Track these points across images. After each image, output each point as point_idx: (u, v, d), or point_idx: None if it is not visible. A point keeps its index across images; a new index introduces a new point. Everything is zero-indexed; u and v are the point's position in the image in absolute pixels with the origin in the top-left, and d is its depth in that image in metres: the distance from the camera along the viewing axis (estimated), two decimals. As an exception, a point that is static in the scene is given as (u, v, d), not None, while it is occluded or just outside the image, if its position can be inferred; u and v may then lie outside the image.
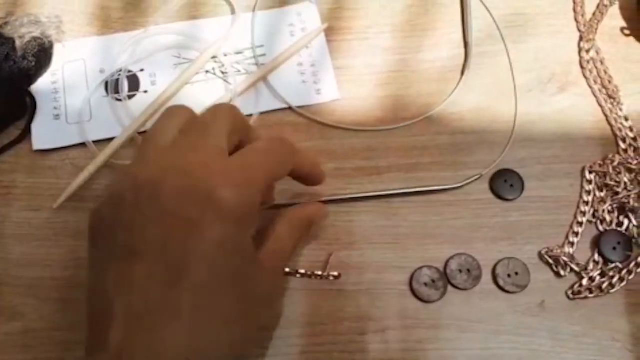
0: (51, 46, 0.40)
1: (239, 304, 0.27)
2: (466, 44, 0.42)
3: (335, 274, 0.35)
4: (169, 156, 0.27)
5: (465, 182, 0.38)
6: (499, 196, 0.38)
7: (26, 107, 0.39)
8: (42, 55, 0.39)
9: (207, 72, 0.40)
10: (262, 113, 0.39)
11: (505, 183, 0.38)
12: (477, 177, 0.38)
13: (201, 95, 0.40)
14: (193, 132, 0.29)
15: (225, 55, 0.41)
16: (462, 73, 0.41)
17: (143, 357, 0.24)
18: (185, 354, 0.25)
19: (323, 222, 0.36)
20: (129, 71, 0.40)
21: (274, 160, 0.30)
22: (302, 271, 0.35)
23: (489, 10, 0.43)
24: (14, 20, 0.38)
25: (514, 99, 0.40)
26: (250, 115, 0.39)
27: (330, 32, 0.42)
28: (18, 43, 0.37)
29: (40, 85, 0.40)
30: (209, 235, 0.26)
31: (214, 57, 0.40)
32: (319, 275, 0.35)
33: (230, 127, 0.29)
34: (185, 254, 0.25)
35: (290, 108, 0.40)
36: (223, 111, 0.30)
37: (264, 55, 0.41)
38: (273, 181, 0.30)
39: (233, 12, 0.42)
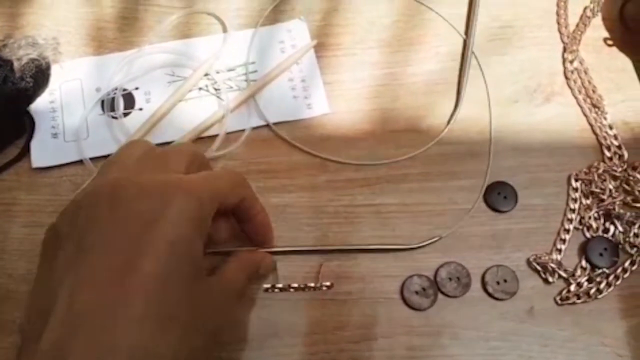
0: (48, 67, 0.41)
1: (188, 307, 0.27)
2: (464, 58, 0.43)
3: (328, 284, 0.36)
4: (125, 172, 0.29)
5: (421, 244, 0.37)
6: (494, 209, 0.39)
7: (25, 127, 0.40)
8: (40, 75, 0.40)
9: (200, 89, 0.41)
10: (254, 128, 0.40)
11: (498, 195, 0.39)
12: (436, 238, 0.37)
13: (195, 112, 0.41)
14: (151, 160, 0.30)
15: (218, 72, 0.42)
16: (458, 89, 0.42)
17: (81, 357, 0.24)
18: (126, 354, 0.24)
19: (268, 272, 0.36)
20: (124, 89, 0.41)
21: (226, 182, 0.31)
22: (295, 285, 0.36)
23: (461, 34, 0.44)
24: (12, 42, 0.40)
25: (500, 110, 0.41)
26: (243, 131, 0.40)
27: (320, 48, 0.43)
28: (16, 65, 0.38)
29: (39, 105, 0.41)
30: (162, 233, 0.26)
31: (206, 75, 0.42)
32: (312, 287, 0.36)
33: (190, 160, 0.31)
34: (137, 248, 0.26)
35: (282, 122, 0.41)
36: (183, 147, 0.33)
37: (255, 71, 0.42)
38: (222, 202, 0.30)
39: (225, 30, 0.43)
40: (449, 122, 0.41)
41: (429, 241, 0.37)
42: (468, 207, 0.39)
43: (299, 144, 0.40)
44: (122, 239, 0.26)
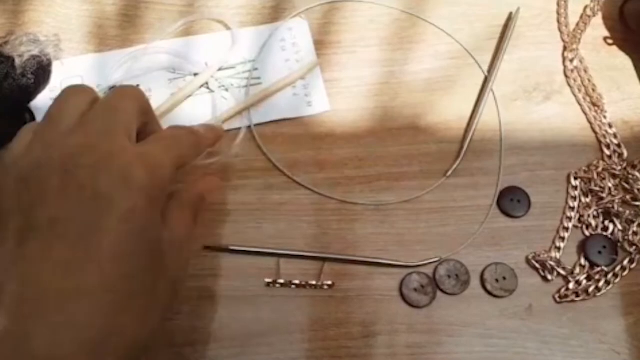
0: (49, 64, 0.41)
1: (148, 281, 0.26)
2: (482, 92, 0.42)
3: (329, 282, 0.36)
4: (75, 137, 0.27)
5: (421, 263, 0.37)
6: (508, 215, 0.38)
7: (25, 123, 0.40)
8: (41, 72, 0.40)
9: (200, 86, 0.41)
10: (256, 125, 0.41)
11: (511, 202, 0.39)
12: (436, 259, 0.37)
13: (193, 109, 0.41)
14: (100, 118, 0.28)
15: (218, 70, 0.42)
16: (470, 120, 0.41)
17: (40, 344, 0.23)
18: (87, 336, 0.24)
19: (215, 194, 0.36)
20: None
21: (183, 146, 0.31)
22: (297, 282, 0.36)
23: (463, 46, 0.44)
24: (14, 39, 0.40)
25: (500, 108, 0.41)
26: (239, 129, 0.40)
27: (320, 46, 0.43)
28: (17, 61, 0.38)
29: (39, 102, 0.41)
30: (120, 210, 0.25)
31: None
32: (313, 285, 0.36)
33: (138, 110, 0.30)
34: (93, 228, 0.25)
35: (282, 120, 0.41)
36: (130, 94, 0.30)
37: (256, 69, 0.42)
38: (181, 166, 0.30)
39: (227, 28, 0.43)
40: (459, 154, 0.40)
41: (429, 261, 0.37)
42: (467, 204, 0.39)
43: (300, 142, 0.40)
44: (77, 216, 0.25)
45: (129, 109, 0.29)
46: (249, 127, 0.40)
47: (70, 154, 0.26)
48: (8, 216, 0.26)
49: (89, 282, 0.24)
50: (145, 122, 0.31)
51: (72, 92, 0.30)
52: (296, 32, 0.43)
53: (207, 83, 0.41)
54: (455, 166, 0.39)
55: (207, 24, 0.44)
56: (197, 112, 0.41)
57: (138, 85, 0.41)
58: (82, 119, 0.28)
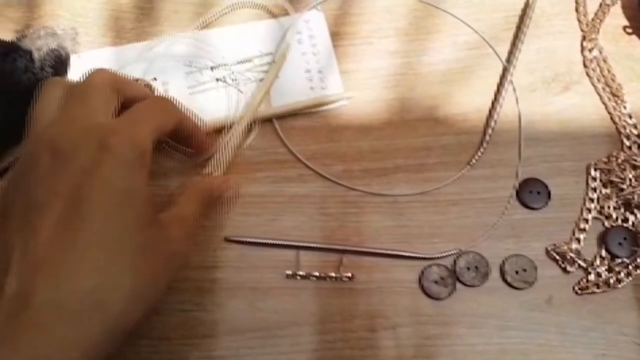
0: (67, 57, 0.41)
1: (138, 250, 0.28)
2: (501, 83, 0.42)
3: (349, 274, 0.36)
4: (55, 127, 0.29)
5: (440, 255, 0.37)
6: (527, 206, 0.38)
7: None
8: (59, 66, 0.40)
9: (217, 80, 0.41)
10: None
11: (531, 193, 0.39)
12: (455, 251, 0.37)
13: (211, 104, 0.41)
14: (72, 104, 0.30)
15: (237, 63, 0.42)
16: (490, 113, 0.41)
17: (42, 303, 0.25)
18: (85, 297, 0.26)
19: (226, 194, 0.38)
20: (142, 80, 0.41)
21: (158, 113, 0.32)
22: (316, 274, 0.36)
23: (479, 33, 0.44)
24: (32, 32, 0.40)
25: (519, 99, 0.41)
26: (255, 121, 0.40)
27: (336, 37, 0.43)
28: (35, 55, 0.39)
29: (57, 95, 0.41)
30: (101, 180, 0.27)
31: (223, 65, 0.42)
32: (333, 277, 0.36)
33: (110, 89, 0.31)
34: (80, 197, 0.27)
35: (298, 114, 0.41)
36: (98, 77, 0.32)
37: (273, 62, 0.42)
38: (160, 133, 0.32)
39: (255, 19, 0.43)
40: (479, 145, 0.40)
41: (449, 253, 0.37)
42: (485, 196, 0.39)
43: (316, 134, 0.40)
44: (65, 188, 0.27)
45: (99, 91, 0.31)
46: (270, 120, 0.40)
47: (57, 135, 0.28)
48: (18, 197, 0.28)
49: (80, 249, 0.26)
50: (126, 96, 0.32)
51: (47, 88, 0.32)
52: (312, 24, 0.43)
53: (223, 77, 0.41)
54: (478, 155, 0.39)
55: (223, 17, 0.43)
56: (214, 106, 0.41)
57: (155, 79, 0.41)
58: (60, 112, 0.30)
